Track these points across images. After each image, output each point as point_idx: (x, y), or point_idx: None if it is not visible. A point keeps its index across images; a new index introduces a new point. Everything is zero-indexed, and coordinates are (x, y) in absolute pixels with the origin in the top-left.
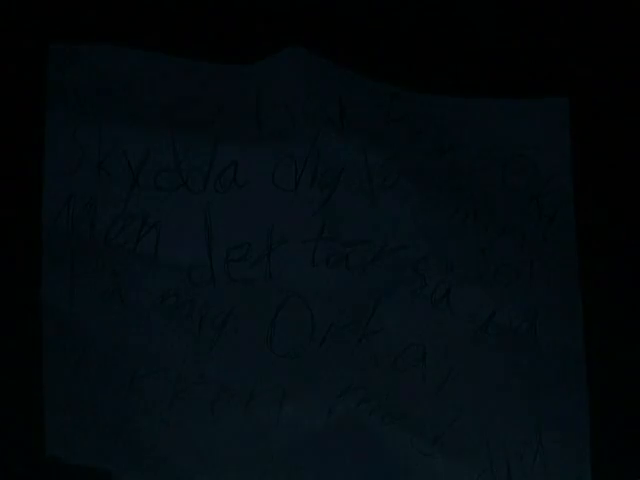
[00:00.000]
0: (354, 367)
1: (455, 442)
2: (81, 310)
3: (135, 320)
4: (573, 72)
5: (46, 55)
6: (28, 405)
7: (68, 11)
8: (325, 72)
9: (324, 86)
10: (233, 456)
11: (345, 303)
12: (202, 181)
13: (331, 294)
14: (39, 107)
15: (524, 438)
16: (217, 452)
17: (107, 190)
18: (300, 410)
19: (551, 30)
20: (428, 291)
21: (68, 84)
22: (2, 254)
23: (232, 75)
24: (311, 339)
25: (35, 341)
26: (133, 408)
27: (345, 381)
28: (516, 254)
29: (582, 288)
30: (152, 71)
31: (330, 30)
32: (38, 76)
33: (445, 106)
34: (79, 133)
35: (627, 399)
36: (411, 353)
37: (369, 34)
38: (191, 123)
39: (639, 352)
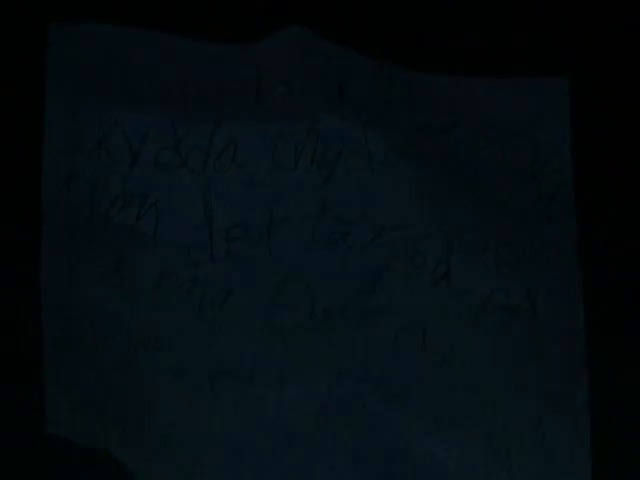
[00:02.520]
0: (354, 347)
1: (455, 422)
2: (80, 289)
3: (135, 299)
4: (573, 52)
5: (46, 34)
6: (27, 384)
7: None
8: (325, 51)
9: (324, 65)
10: (233, 435)
11: (345, 282)
12: (202, 161)
13: (331, 273)
14: (38, 87)
15: (524, 420)
16: (217, 431)
17: (107, 170)
18: (300, 390)
19: (552, 9)
20: (428, 270)
21: (68, 63)
22: (1, 234)
23: (232, 55)
24: (311, 318)
25: (34, 321)
26: (133, 387)
27: (345, 361)
28: (516, 234)
29: (583, 268)
30: (152, 51)
31: (330, 10)
32: (38, 56)
33: (445, 85)
34: (79, 113)
35: (628, 383)
36: (411, 332)
37: (369, 13)
38: (191, 103)
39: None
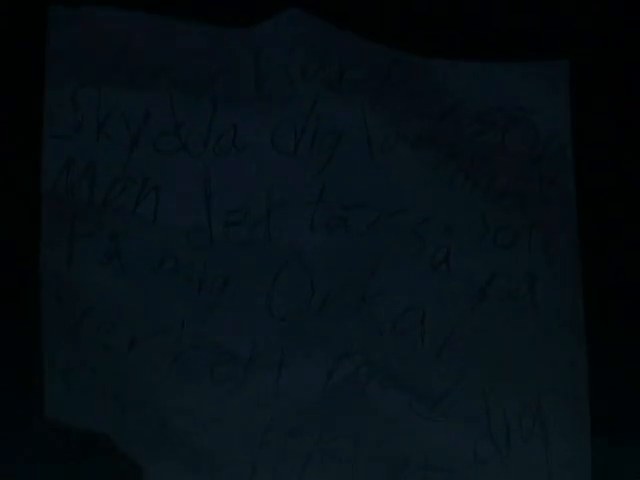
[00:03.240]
0: (353, 331)
1: (454, 406)
2: (80, 273)
3: (134, 283)
4: (574, 35)
5: (46, 17)
6: (28, 369)
7: None
8: (324, 35)
9: (323, 49)
10: (233, 419)
11: (344, 267)
12: (201, 144)
13: (330, 258)
14: (38, 70)
15: (523, 403)
16: (216, 416)
17: (106, 153)
18: (299, 374)
19: None
20: (427, 255)
21: (68, 46)
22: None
23: (231, 38)
24: (310, 303)
25: (33, 304)
26: (132, 371)
27: (344, 345)
28: (516, 218)
29: (582, 253)
30: (152, 34)
31: None
32: (37, 38)
33: (444, 69)
34: (78, 96)
35: (628, 366)
36: (410, 317)
37: None
38: (190, 86)
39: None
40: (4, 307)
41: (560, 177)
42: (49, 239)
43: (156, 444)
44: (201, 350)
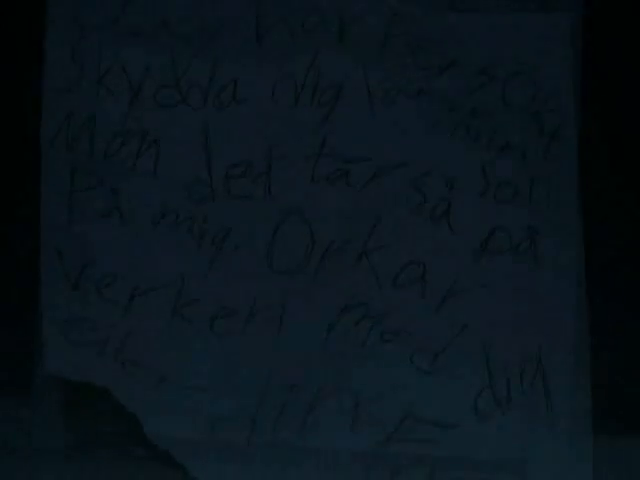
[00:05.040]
0: (354, 285)
1: (455, 360)
2: (80, 227)
3: (135, 237)
4: None
5: None
6: (29, 323)
7: None
8: None
9: (324, 2)
10: (232, 374)
11: (345, 220)
12: (202, 98)
13: (331, 211)
14: (38, 24)
15: (524, 356)
16: (216, 370)
17: (107, 107)
18: (299, 328)
19: None
20: (428, 208)
21: (67, 1)
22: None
23: None
24: (310, 256)
25: (33, 259)
26: (132, 326)
27: (345, 298)
28: (516, 172)
29: (583, 206)
30: None
31: None
32: None
33: (445, 23)
34: (78, 50)
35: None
36: (411, 270)
37: None
38: (191, 40)
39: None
40: (4, 262)
41: (561, 130)
42: (49, 193)
43: (156, 397)
44: (201, 304)
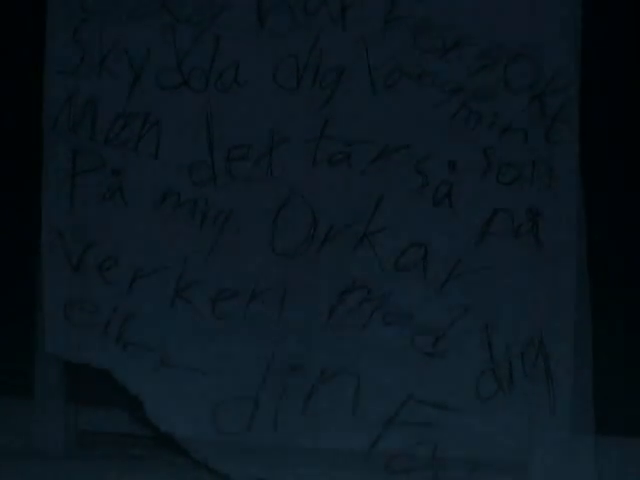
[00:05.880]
0: (355, 267)
1: (457, 342)
2: (81, 209)
3: (136, 219)
4: None
5: None
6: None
7: None
8: None
9: None
10: (234, 355)
11: (346, 202)
12: (203, 80)
13: (332, 193)
14: (39, 6)
15: (526, 338)
16: (218, 352)
17: (108, 89)
18: (301, 310)
19: None
20: (430, 191)
21: None
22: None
23: None
24: (312, 239)
25: (35, 242)
26: (133, 307)
27: (346, 281)
28: (518, 154)
29: (585, 188)
30: None
31: None
32: None
33: (446, 5)
34: (80, 32)
35: (628, 299)
36: (412, 253)
37: None
38: (193, 22)
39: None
40: (5, 243)
41: (563, 112)
42: (50, 175)
43: (157, 380)
44: (203, 286)
